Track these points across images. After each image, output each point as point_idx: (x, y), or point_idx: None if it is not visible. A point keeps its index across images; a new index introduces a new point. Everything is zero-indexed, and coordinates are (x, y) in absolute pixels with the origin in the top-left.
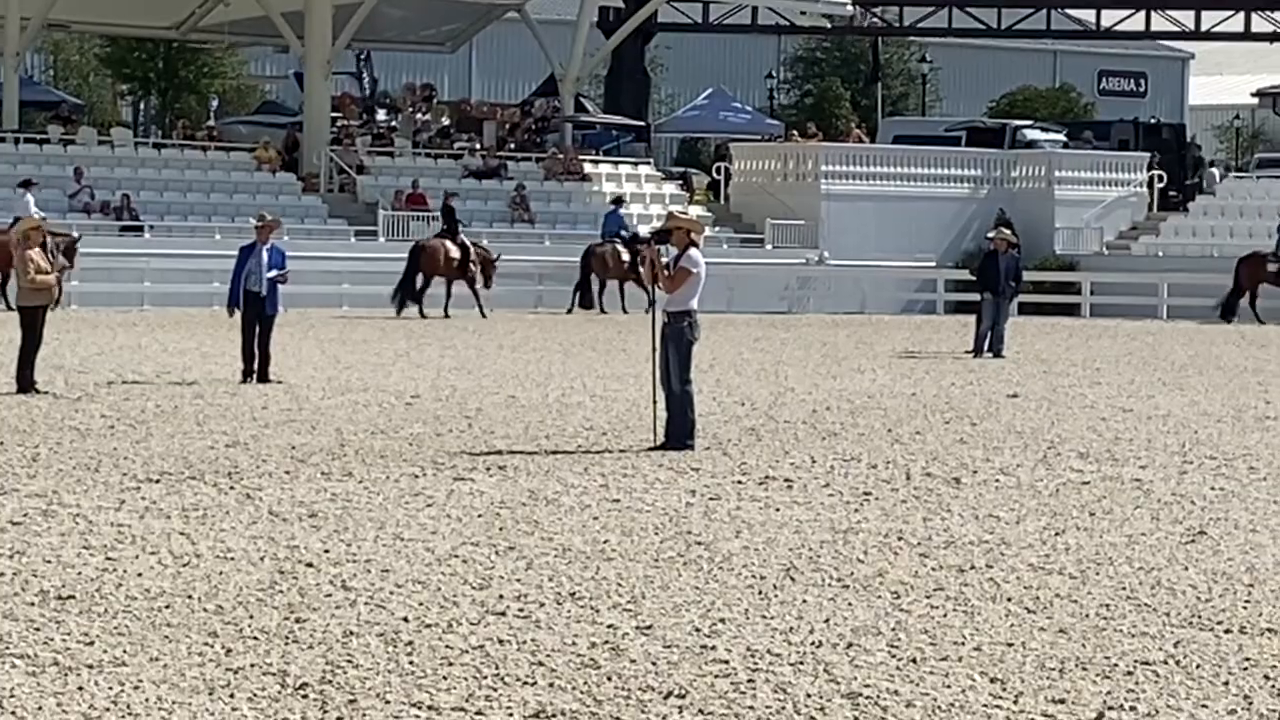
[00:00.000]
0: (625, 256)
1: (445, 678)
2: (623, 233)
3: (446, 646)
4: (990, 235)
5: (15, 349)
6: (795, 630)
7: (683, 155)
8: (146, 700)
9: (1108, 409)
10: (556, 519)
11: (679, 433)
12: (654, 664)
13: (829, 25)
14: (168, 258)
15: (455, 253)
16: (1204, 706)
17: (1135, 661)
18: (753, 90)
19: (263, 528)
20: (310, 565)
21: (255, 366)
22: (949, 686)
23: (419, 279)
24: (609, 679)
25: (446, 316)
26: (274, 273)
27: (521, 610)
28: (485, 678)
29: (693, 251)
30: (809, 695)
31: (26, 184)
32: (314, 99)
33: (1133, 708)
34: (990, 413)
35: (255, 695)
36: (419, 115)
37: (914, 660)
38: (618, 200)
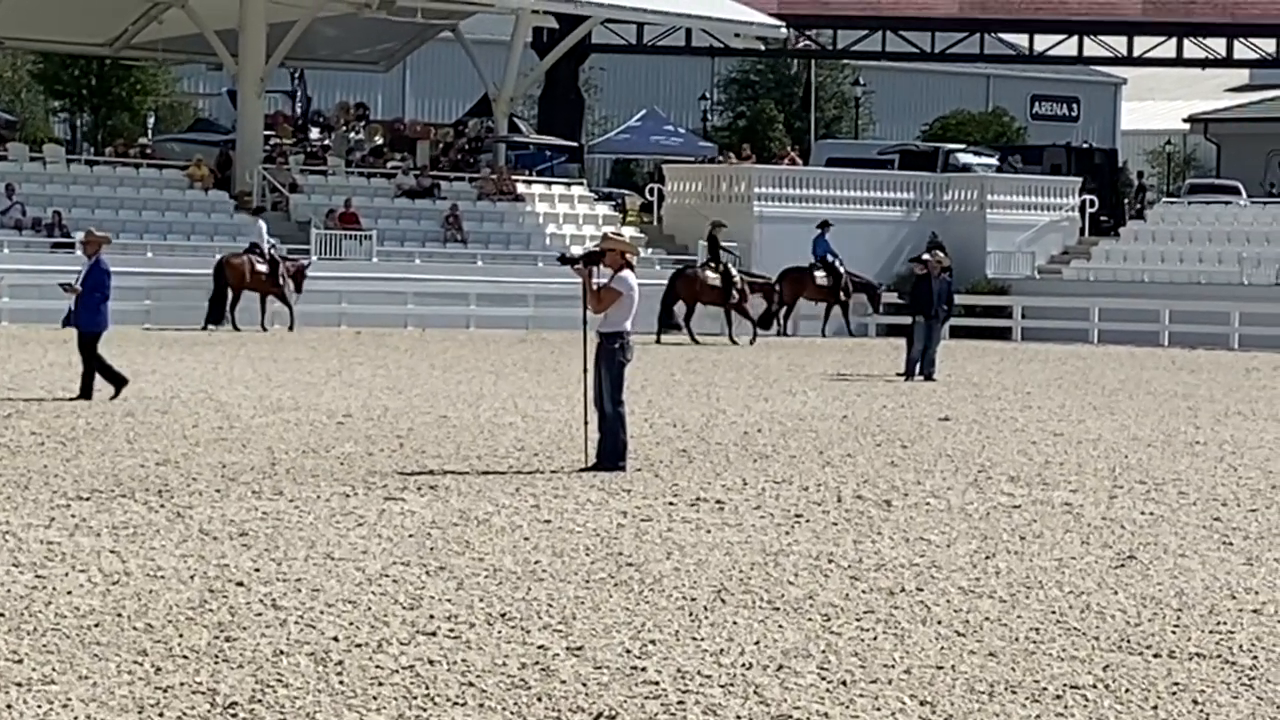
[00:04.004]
0: (714, 281)
1: (375, 698)
2: (829, 256)
3: (377, 666)
4: (925, 258)
5: None
6: (725, 652)
7: (616, 176)
8: (75, 719)
9: (1038, 433)
10: (487, 539)
11: (611, 454)
12: (584, 685)
13: (763, 48)
14: None
15: (714, 280)
16: None
17: (1064, 685)
18: (686, 112)
19: (193, 546)
20: (240, 584)
21: (121, 379)
22: (879, 709)
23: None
24: (539, 700)
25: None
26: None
27: (452, 630)
28: (415, 698)
29: (625, 273)
30: (739, 717)
31: (258, 211)
32: (247, 117)
33: None
34: (921, 436)
35: (185, 714)
36: (352, 134)
37: (844, 682)
38: (824, 224)
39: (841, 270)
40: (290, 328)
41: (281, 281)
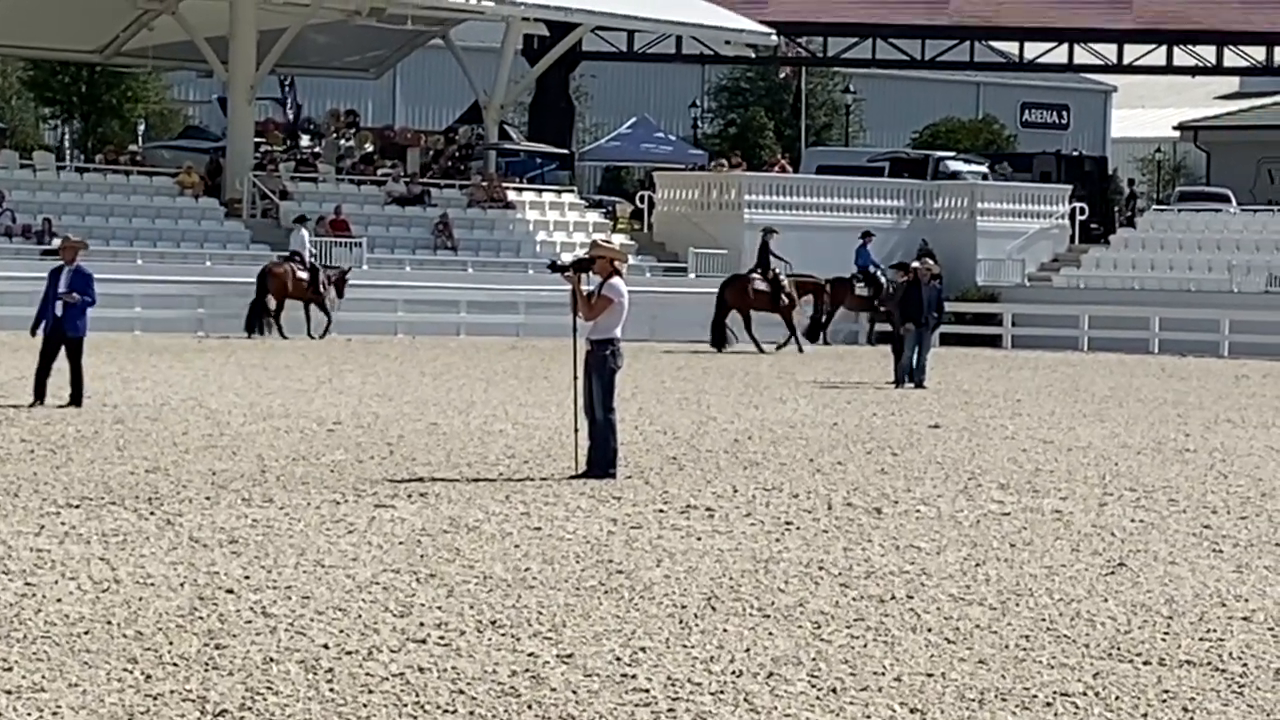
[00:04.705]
0: (762, 287)
1: (365, 705)
2: (870, 267)
3: (367, 674)
4: (914, 266)
5: None
6: (716, 659)
7: (607, 184)
8: None
9: (1028, 440)
10: (478, 547)
11: (601, 461)
12: (574, 693)
13: (753, 55)
14: None
15: (762, 286)
16: None
17: (1054, 693)
18: (677, 119)
19: (183, 554)
20: (230, 591)
21: (43, 392)
22: (869, 717)
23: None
24: (529, 707)
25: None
26: (65, 296)
27: (442, 638)
28: (405, 706)
29: (615, 280)
30: None
31: (301, 220)
32: (237, 124)
33: None
34: (911, 443)
35: None
36: (343, 141)
37: (834, 690)
38: (867, 234)
39: (883, 280)
40: (324, 335)
41: (322, 289)
